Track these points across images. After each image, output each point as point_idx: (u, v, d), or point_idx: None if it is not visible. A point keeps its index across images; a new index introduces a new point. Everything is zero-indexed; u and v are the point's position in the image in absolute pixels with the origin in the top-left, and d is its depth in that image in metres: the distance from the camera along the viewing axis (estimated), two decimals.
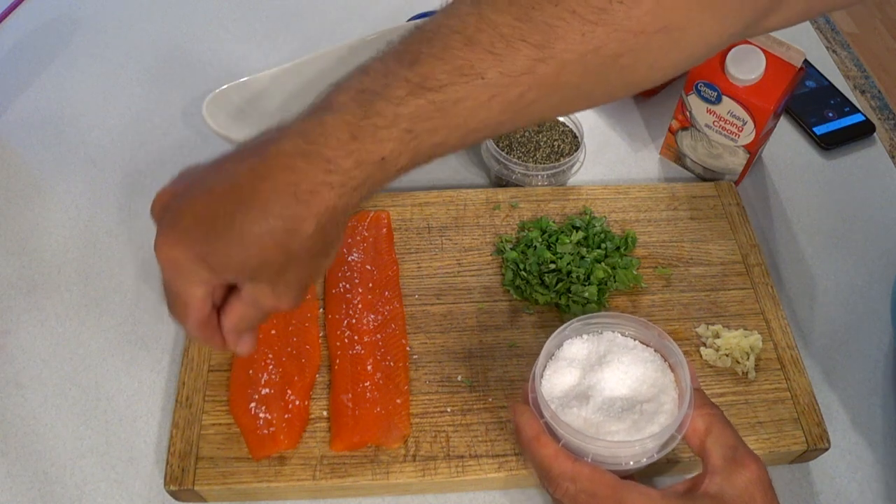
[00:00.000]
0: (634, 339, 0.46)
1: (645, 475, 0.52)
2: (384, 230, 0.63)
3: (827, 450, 0.53)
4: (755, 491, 0.39)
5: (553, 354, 0.46)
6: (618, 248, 0.62)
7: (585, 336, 0.46)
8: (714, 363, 0.56)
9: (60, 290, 0.63)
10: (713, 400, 0.54)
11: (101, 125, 0.76)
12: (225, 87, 0.68)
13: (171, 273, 0.39)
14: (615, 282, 0.60)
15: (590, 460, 0.41)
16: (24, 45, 0.85)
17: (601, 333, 0.46)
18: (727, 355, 0.56)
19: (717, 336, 0.57)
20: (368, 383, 0.53)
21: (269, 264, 0.37)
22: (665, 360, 0.45)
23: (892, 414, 0.58)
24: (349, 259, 0.60)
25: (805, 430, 0.53)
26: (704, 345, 0.57)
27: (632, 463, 0.42)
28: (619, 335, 0.46)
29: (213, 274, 0.37)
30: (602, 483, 0.40)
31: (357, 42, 0.75)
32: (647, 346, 0.46)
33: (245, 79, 0.70)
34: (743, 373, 0.56)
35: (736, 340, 0.56)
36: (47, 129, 0.76)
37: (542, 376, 0.44)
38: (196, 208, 0.38)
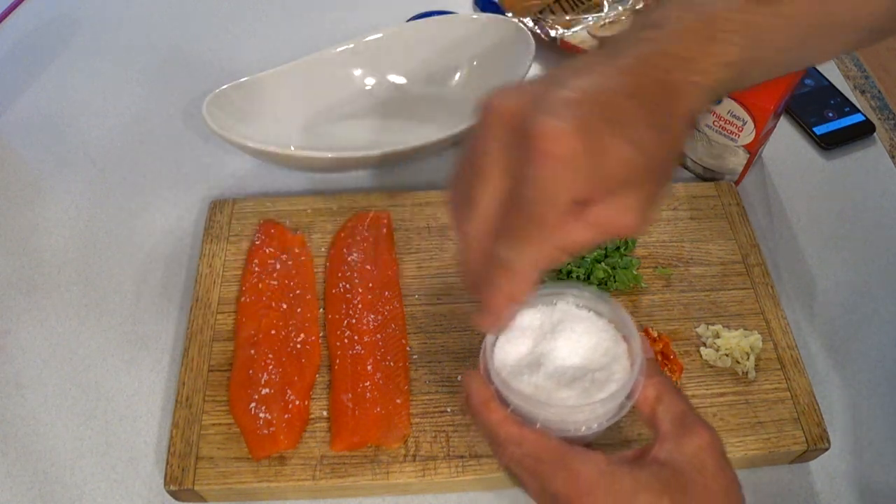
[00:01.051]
0: (588, 310, 0.45)
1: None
2: (384, 230, 0.63)
3: (827, 450, 0.53)
4: (706, 457, 0.38)
5: None
6: (618, 248, 0.62)
7: (540, 306, 0.45)
8: (714, 363, 0.56)
9: (60, 290, 0.63)
10: (713, 400, 0.54)
11: (101, 125, 0.76)
12: (225, 87, 0.68)
13: (551, 167, 0.32)
14: (615, 282, 0.60)
15: (538, 426, 0.40)
16: (24, 45, 0.85)
17: (555, 304, 0.45)
18: (727, 355, 0.56)
19: (717, 336, 0.57)
20: (368, 383, 0.53)
21: (643, 172, 0.34)
22: (618, 332, 0.44)
23: (892, 414, 0.57)
24: (349, 259, 0.60)
25: (805, 430, 0.53)
26: (704, 345, 0.57)
27: (583, 429, 0.41)
28: (574, 306, 0.45)
29: (591, 176, 0.33)
30: (548, 448, 0.38)
31: (357, 42, 0.75)
32: (601, 316, 0.45)
33: (245, 79, 0.70)
34: (743, 373, 0.56)
35: (736, 340, 0.56)
36: (47, 129, 0.76)
37: (493, 345, 0.43)
38: (600, 100, 0.33)
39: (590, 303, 0.45)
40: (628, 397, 0.41)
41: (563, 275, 0.59)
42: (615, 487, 0.37)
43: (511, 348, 0.43)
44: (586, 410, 0.41)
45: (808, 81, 0.80)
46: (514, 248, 0.35)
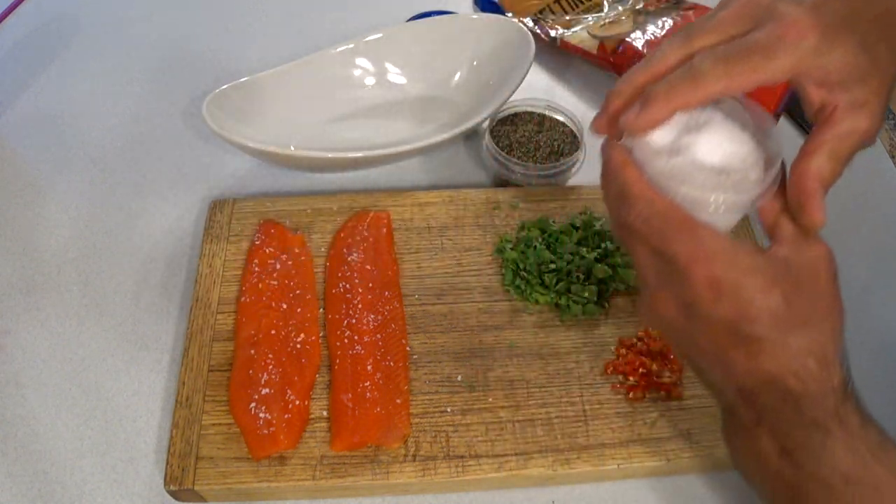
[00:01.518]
0: (735, 121, 0.43)
1: None
2: (384, 230, 0.63)
3: None
4: (822, 268, 0.38)
5: None
6: (618, 248, 0.62)
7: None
8: None
9: (60, 290, 0.63)
10: (713, 400, 0.54)
11: (101, 125, 0.77)
12: (225, 87, 0.68)
13: (789, 36, 0.38)
14: (615, 281, 0.60)
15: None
16: (24, 45, 0.85)
17: (704, 108, 0.43)
18: None
19: None
20: (368, 383, 0.53)
21: (867, 70, 0.39)
22: (761, 148, 0.43)
23: (892, 414, 0.57)
24: (349, 259, 0.60)
25: None
26: None
27: (711, 208, 0.40)
28: (723, 113, 0.43)
29: (818, 56, 0.38)
30: (679, 213, 0.38)
31: (357, 42, 0.75)
32: (746, 129, 0.43)
33: (245, 79, 0.70)
34: None
35: None
36: (47, 129, 0.76)
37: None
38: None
39: (741, 117, 0.44)
40: (760, 196, 0.40)
41: (563, 274, 0.59)
42: (734, 261, 0.37)
43: (654, 136, 0.42)
44: (720, 191, 0.39)
45: None
46: (720, 63, 0.38)
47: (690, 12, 0.80)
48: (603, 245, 0.62)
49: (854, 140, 0.40)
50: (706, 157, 0.41)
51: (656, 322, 0.41)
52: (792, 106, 0.77)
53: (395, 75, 0.77)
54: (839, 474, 0.36)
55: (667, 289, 0.38)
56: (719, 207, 0.40)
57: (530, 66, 0.70)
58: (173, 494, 0.51)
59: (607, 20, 0.82)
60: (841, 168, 0.42)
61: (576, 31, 0.82)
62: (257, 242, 0.62)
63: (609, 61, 0.78)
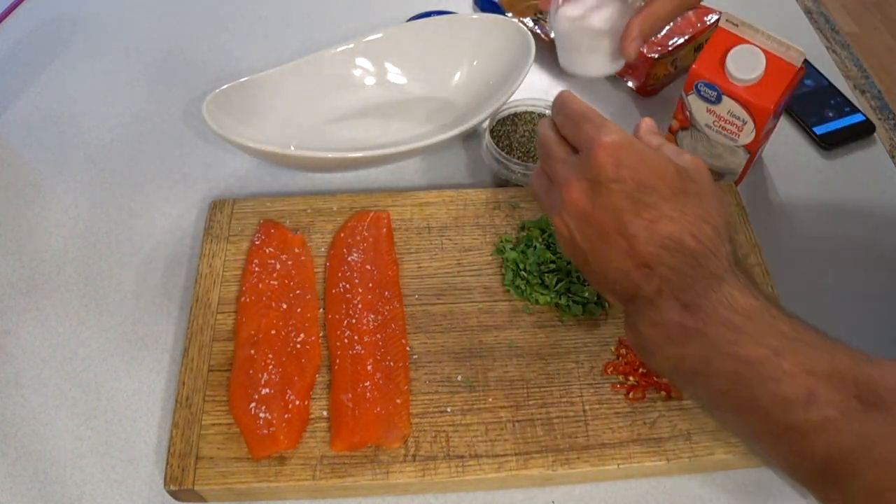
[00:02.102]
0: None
1: None
2: (384, 230, 0.63)
3: None
4: (701, 168, 0.43)
5: None
6: None
7: None
8: None
9: (60, 290, 0.63)
10: None
11: (101, 125, 0.77)
12: (225, 87, 0.68)
13: None
14: None
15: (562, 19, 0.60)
16: (24, 45, 0.85)
17: None
18: None
19: None
20: (368, 383, 0.53)
21: None
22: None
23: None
24: (349, 259, 0.60)
25: None
26: None
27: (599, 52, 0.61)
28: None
29: None
30: (590, 110, 0.44)
31: (357, 42, 0.75)
32: None
33: (245, 79, 0.70)
34: None
35: None
36: (47, 129, 0.76)
37: None
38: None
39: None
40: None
41: (563, 274, 0.59)
42: (633, 145, 0.41)
43: (567, 9, 0.61)
44: (602, 39, 0.60)
45: (808, 82, 0.80)
46: None
47: (690, 12, 0.80)
48: None
49: (669, 5, 0.57)
50: (595, 23, 0.60)
51: (569, 213, 0.42)
52: (792, 105, 0.77)
53: (395, 75, 0.77)
54: (738, 312, 0.38)
55: (575, 176, 0.42)
56: (603, 51, 0.61)
57: (530, 66, 0.70)
58: (173, 494, 0.51)
59: None
60: (660, 23, 0.58)
61: None
62: (257, 242, 0.62)
63: None
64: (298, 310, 0.58)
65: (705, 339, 0.39)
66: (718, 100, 0.64)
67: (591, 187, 0.41)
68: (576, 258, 0.44)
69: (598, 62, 0.62)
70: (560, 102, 0.46)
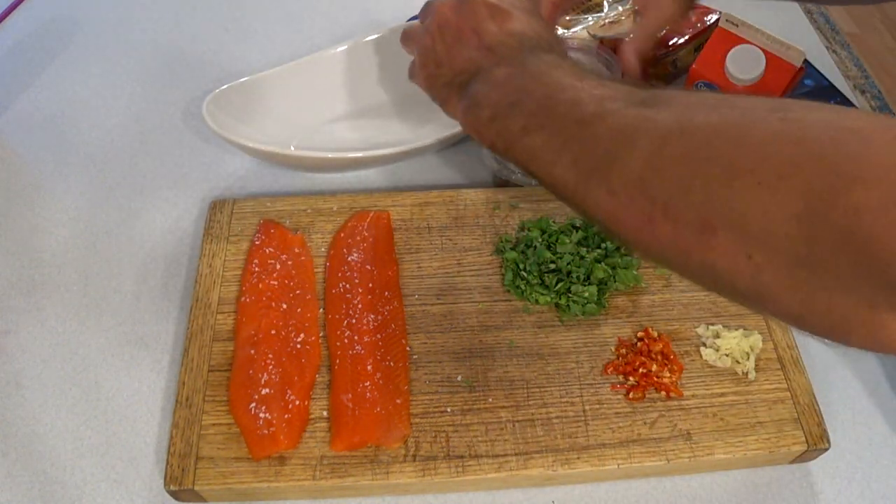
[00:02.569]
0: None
1: None
2: (384, 230, 0.63)
3: (827, 450, 0.53)
4: None
5: None
6: (618, 248, 0.62)
7: None
8: (714, 363, 0.56)
9: (60, 290, 0.63)
10: (712, 400, 0.54)
11: (101, 125, 0.76)
12: (225, 87, 0.68)
13: None
14: (615, 282, 0.60)
15: None
16: (24, 45, 0.85)
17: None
18: (727, 355, 0.56)
19: (717, 336, 0.57)
20: (368, 383, 0.53)
21: None
22: None
23: (892, 414, 0.58)
24: (349, 259, 0.60)
25: (805, 430, 0.53)
26: (704, 345, 0.57)
27: None
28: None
29: None
30: None
31: (357, 42, 0.75)
32: None
33: (245, 79, 0.70)
34: (743, 373, 0.56)
35: (736, 340, 0.56)
36: (47, 129, 0.76)
37: None
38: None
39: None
40: None
41: (563, 274, 0.59)
42: None
43: None
44: None
45: (807, 82, 0.79)
46: None
47: (690, 12, 0.80)
48: (603, 245, 0.62)
49: (658, 22, 0.61)
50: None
51: (432, 25, 0.51)
52: None
53: (395, 75, 0.77)
54: (552, 64, 0.44)
55: None
56: None
57: None
58: (173, 494, 0.51)
59: (607, 20, 0.81)
60: (650, 41, 0.62)
61: (576, 31, 0.82)
62: (257, 242, 0.62)
63: None
64: (298, 310, 0.58)
65: (523, 70, 0.45)
66: None
67: (458, 3, 0.49)
68: (427, 65, 0.52)
69: None
70: None
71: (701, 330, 0.58)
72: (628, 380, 0.55)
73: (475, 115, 0.47)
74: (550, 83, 0.43)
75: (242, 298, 0.58)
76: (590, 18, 0.83)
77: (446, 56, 0.50)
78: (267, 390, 0.53)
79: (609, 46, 0.78)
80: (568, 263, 0.60)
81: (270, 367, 0.54)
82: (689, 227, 0.34)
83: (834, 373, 0.59)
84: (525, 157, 0.43)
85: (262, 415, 0.51)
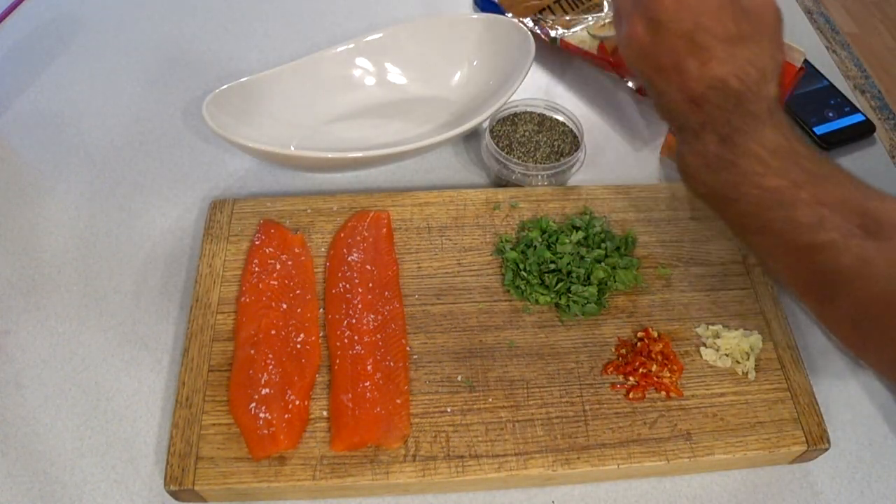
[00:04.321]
0: None
1: None
2: (384, 230, 0.63)
3: (827, 450, 0.53)
4: (768, 10, 0.47)
5: None
6: (618, 249, 0.62)
7: None
8: (714, 363, 0.56)
9: (60, 290, 0.63)
10: (713, 400, 0.54)
11: (101, 125, 0.76)
12: (225, 87, 0.68)
13: None
14: (615, 282, 0.60)
15: None
16: (24, 45, 0.85)
17: None
18: (727, 355, 0.56)
19: (717, 336, 0.57)
20: (368, 383, 0.53)
21: None
22: None
23: (892, 414, 0.58)
24: (349, 259, 0.60)
25: (805, 430, 0.53)
26: (704, 345, 0.57)
27: None
28: None
29: None
30: None
31: (357, 42, 0.75)
32: None
33: (245, 79, 0.70)
34: (743, 373, 0.56)
35: (736, 340, 0.56)
36: (47, 129, 0.76)
37: None
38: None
39: None
40: None
41: (563, 274, 0.59)
42: None
43: None
44: None
45: (808, 82, 0.79)
46: None
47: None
48: (603, 245, 0.62)
49: None
50: None
51: (629, 45, 0.46)
52: (792, 105, 0.77)
53: (395, 75, 0.77)
54: (766, 149, 0.43)
55: (638, 11, 0.45)
56: None
57: (530, 66, 0.70)
58: (173, 494, 0.51)
59: (607, 20, 0.82)
60: None
61: (576, 31, 0.82)
62: (257, 242, 0.62)
63: (609, 61, 0.78)
64: (298, 310, 0.58)
65: (737, 169, 0.44)
66: None
67: (651, 25, 0.44)
68: (634, 70, 0.48)
69: None
70: None
71: (701, 330, 0.58)
72: (628, 380, 0.55)
73: (686, 177, 0.47)
74: (763, 186, 0.43)
75: (242, 298, 0.58)
76: (590, 18, 0.83)
77: (650, 85, 0.47)
78: (267, 390, 0.53)
79: (610, 48, 0.78)
80: (568, 263, 0.60)
81: (270, 367, 0.54)
82: (890, 366, 0.42)
83: (834, 373, 0.59)
84: (740, 238, 0.47)
85: (262, 415, 0.51)
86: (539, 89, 0.80)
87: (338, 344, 0.56)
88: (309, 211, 0.65)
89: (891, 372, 0.44)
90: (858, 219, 0.41)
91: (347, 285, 0.59)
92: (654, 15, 0.44)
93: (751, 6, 0.45)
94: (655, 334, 0.57)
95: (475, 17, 0.80)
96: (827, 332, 0.61)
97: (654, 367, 0.55)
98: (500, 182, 0.69)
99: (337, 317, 0.57)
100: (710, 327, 0.58)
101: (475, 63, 0.76)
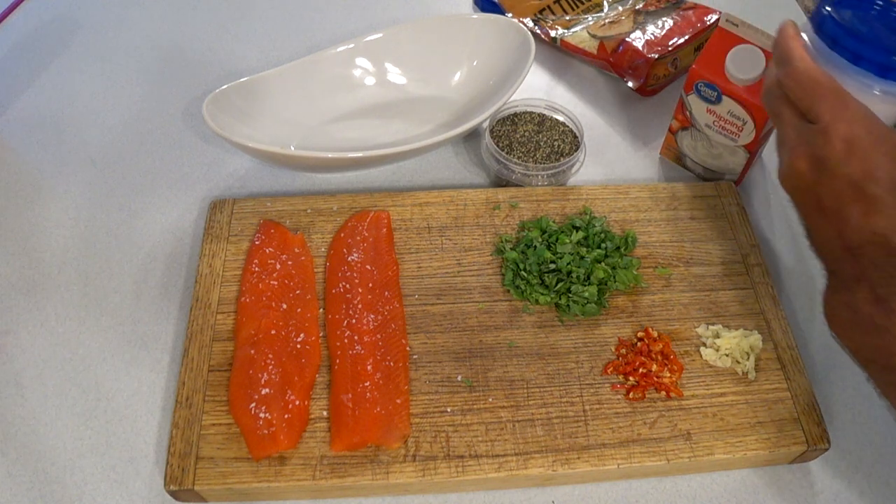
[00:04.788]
0: None
1: None
2: (384, 230, 0.63)
3: (827, 450, 0.53)
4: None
5: None
6: (618, 248, 0.62)
7: None
8: (714, 363, 0.56)
9: (60, 290, 0.63)
10: (713, 400, 0.54)
11: (101, 125, 0.77)
12: (225, 87, 0.68)
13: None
14: (615, 282, 0.60)
15: None
16: (24, 45, 0.85)
17: None
18: (727, 355, 0.56)
19: (717, 336, 0.57)
20: (368, 383, 0.53)
21: None
22: None
23: (892, 414, 0.57)
24: (349, 259, 0.60)
25: (805, 430, 0.53)
26: (704, 345, 0.57)
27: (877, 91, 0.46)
28: None
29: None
30: (827, 78, 0.42)
31: (357, 42, 0.75)
32: None
33: (245, 79, 0.70)
34: (743, 373, 0.56)
35: (736, 340, 0.56)
36: (47, 129, 0.76)
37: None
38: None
39: None
40: None
41: (563, 274, 0.59)
42: (872, 127, 0.41)
43: None
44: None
45: None
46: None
47: (690, 12, 0.80)
48: (603, 245, 0.62)
49: None
50: None
51: (791, 177, 0.44)
52: None
53: (395, 75, 0.77)
54: None
55: (804, 145, 0.43)
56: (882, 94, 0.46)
57: (530, 66, 0.70)
58: (173, 494, 0.51)
59: (607, 20, 0.82)
60: None
61: (576, 31, 0.82)
62: (257, 242, 0.62)
63: (609, 61, 0.78)
64: (298, 310, 0.58)
65: (890, 336, 0.41)
66: (718, 100, 0.64)
67: (817, 163, 0.42)
68: (798, 212, 0.46)
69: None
70: (785, 53, 0.45)
71: (701, 330, 0.58)
72: (628, 380, 0.55)
73: (833, 326, 0.45)
74: None
75: (242, 298, 0.58)
76: (590, 18, 0.83)
77: (807, 221, 0.45)
78: (267, 390, 0.53)
79: (610, 48, 0.78)
80: (568, 263, 0.60)
81: (270, 367, 0.54)
82: None
83: (834, 373, 0.59)
84: (884, 392, 0.45)
85: (262, 415, 0.51)
86: (539, 89, 0.80)
87: (338, 344, 0.56)
88: (309, 211, 0.65)
89: None
90: None
91: (347, 285, 0.59)
92: (823, 154, 0.41)
93: None
94: (655, 334, 0.57)
95: (475, 17, 0.80)
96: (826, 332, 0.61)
97: (654, 367, 0.55)
98: (500, 182, 0.69)
99: (337, 317, 0.57)
100: (710, 327, 0.58)
101: (475, 63, 0.76)
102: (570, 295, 0.59)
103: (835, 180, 0.41)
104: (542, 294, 0.59)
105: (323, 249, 0.62)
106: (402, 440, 0.51)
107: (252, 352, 0.55)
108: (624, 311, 0.59)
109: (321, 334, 0.57)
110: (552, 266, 0.60)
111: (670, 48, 0.76)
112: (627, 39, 0.77)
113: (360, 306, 0.58)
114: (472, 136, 0.74)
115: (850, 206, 0.41)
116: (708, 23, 0.79)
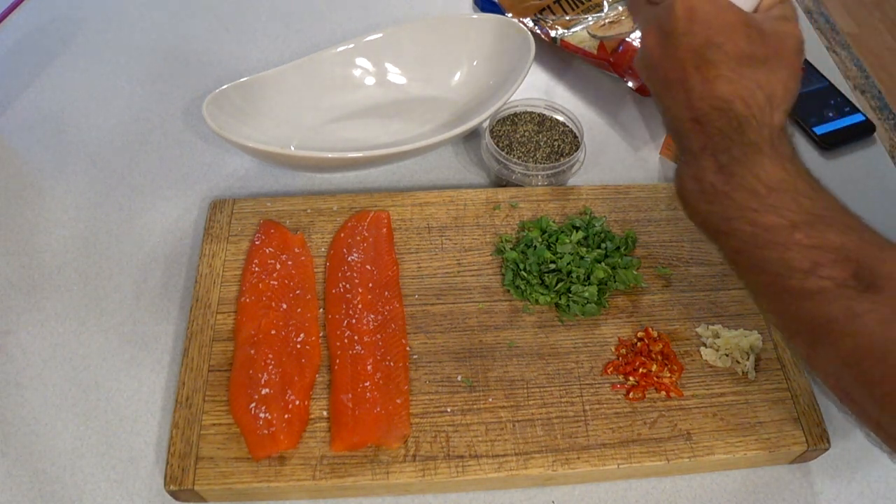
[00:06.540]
0: None
1: None
2: (384, 230, 0.63)
3: (827, 450, 0.53)
4: (789, 39, 0.43)
5: None
6: (618, 248, 0.62)
7: None
8: (714, 363, 0.56)
9: (60, 290, 0.63)
10: (712, 400, 0.54)
11: (101, 125, 0.76)
12: (225, 87, 0.68)
13: None
14: (615, 282, 0.60)
15: None
16: (24, 45, 0.85)
17: None
18: (727, 355, 0.56)
19: (716, 336, 0.57)
20: (368, 383, 0.53)
21: None
22: None
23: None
24: (349, 259, 0.60)
25: (805, 430, 0.53)
26: (704, 345, 0.57)
27: None
28: None
29: None
30: None
31: (357, 42, 0.75)
32: None
33: (245, 79, 0.70)
34: (743, 373, 0.56)
35: (736, 340, 0.56)
36: (47, 129, 0.76)
37: None
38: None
39: None
40: None
41: (563, 274, 0.59)
42: (716, 1, 0.42)
43: None
44: None
45: (808, 82, 0.79)
46: None
47: None
48: (603, 245, 0.62)
49: None
50: None
51: (642, 58, 0.45)
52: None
53: (395, 75, 0.77)
54: (763, 183, 0.41)
55: (652, 22, 0.44)
56: None
57: (530, 66, 0.70)
58: (173, 494, 0.51)
59: (607, 20, 0.82)
60: None
61: (576, 31, 0.82)
62: (257, 242, 0.62)
63: (609, 61, 0.78)
64: (298, 310, 0.58)
65: (731, 202, 0.42)
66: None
67: (663, 37, 0.43)
68: (652, 93, 0.47)
69: None
70: None
71: (701, 330, 0.58)
72: (628, 380, 0.55)
73: (682, 201, 0.46)
74: (757, 224, 0.41)
75: (242, 298, 0.58)
76: (590, 18, 0.83)
77: (658, 99, 0.46)
78: (267, 390, 0.53)
79: (610, 48, 0.78)
80: (568, 263, 0.60)
81: (270, 367, 0.54)
82: (869, 419, 0.41)
83: None
84: (731, 266, 0.45)
85: (262, 415, 0.51)
86: (539, 89, 0.80)
87: (338, 344, 0.56)
88: (309, 211, 0.65)
89: (874, 427, 0.42)
90: (853, 267, 0.39)
91: (347, 285, 0.59)
92: (667, 27, 0.42)
93: (770, 29, 0.42)
94: (655, 334, 0.57)
95: (475, 17, 0.80)
96: None
97: (654, 367, 0.55)
98: (500, 182, 0.69)
99: (337, 317, 0.57)
100: (710, 327, 0.58)
101: (475, 63, 0.76)
102: (570, 295, 0.59)
103: (678, 50, 0.42)
104: (542, 294, 0.59)
105: (323, 249, 0.62)
106: (402, 440, 0.51)
107: (252, 352, 0.55)
108: (624, 311, 0.59)
109: (321, 334, 0.57)
110: (552, 266, 0.60)
111: None
112: (627, 39, 0.77)
113: (360, 306, 0.58)
114: (472, 136, 0.74)
115: (693, 75, 0.42)
116: None
